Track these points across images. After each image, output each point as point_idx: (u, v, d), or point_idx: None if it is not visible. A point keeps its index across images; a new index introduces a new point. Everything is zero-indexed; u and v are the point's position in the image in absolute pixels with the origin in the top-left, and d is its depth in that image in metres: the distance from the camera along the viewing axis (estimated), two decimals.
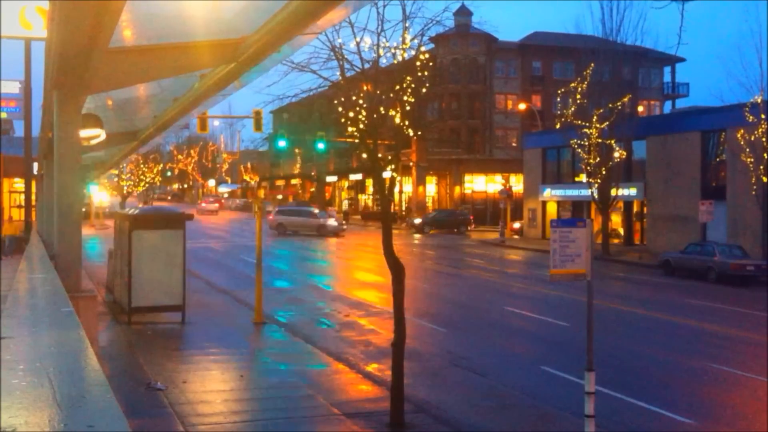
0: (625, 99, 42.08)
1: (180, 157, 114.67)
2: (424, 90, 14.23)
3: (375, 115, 13.21)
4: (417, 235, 57.33)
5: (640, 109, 66.35)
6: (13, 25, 13.03)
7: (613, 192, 42.32)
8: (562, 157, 52.18)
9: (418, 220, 61.16)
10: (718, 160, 40.66)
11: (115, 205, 72.63)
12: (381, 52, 12.91)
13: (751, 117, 34.70)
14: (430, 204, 73.60)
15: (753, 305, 25.70)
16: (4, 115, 31.97)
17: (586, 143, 41.60)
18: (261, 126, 40.63)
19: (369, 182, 74.30)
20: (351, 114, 13.20)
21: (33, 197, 24.87)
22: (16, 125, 44.89)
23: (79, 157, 8.97)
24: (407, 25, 12.97)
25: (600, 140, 41.13)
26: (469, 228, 60.49)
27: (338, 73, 13.29)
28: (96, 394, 2.25)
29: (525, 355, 18.14)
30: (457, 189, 71.73)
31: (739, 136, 35.62)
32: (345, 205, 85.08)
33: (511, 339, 20.14)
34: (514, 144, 73.38)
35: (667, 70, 78.82)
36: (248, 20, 7.55)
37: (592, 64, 41.12)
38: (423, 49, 13.91)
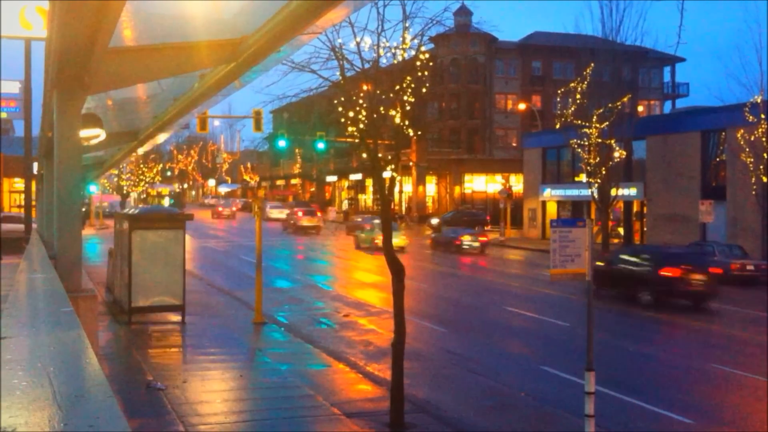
0: (625, 99, 42.06)
1: (180, 157, 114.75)
2: (424, 90, 14.24)
3: (375, 115, 13.21)
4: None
5: (640, 109, 66.36)
6: (13, 25, 13.03)
7: (613, 192, 42.32)
8: (562, 157, 52.17)
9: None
10: (718, 160, 40.66)
11: (115, 205, 72.70)
12: (381, 52, 12.90)
13: (751, 117, 34.70)
14: (430, 204, 73.60)
15: (753, 305, 25.71)
16: (4, 115, 31.98)
17: (586, 143, 41.59)
18: (261, 126, 40.62)
19: (369, 182, 74.29)
20: (351, 114, 13.20)
21: (33, 197, 24.88)
22: (16, 125, 44.92)
23: (80, 157, 8.97)
24: (407, 25, 12.97)
25: (600, 140, 41.12)
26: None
27: (338, 73, 13.28)
28: (96, 394, 2.25)
29: (525, 355, 18.14)
30: (457, 189, 71.73)
31: (739, 136, 35.62)
32: (345, 205, 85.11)
33: (511, 339, 20.14)
34: (514, 144, 73.37)
35: (667, 70, 78.83)
36: (248, 20, 7.55)
37: (592, 64, 41.11)
38: (423, 49, 13.90)
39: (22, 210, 24.92)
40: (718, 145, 40.64)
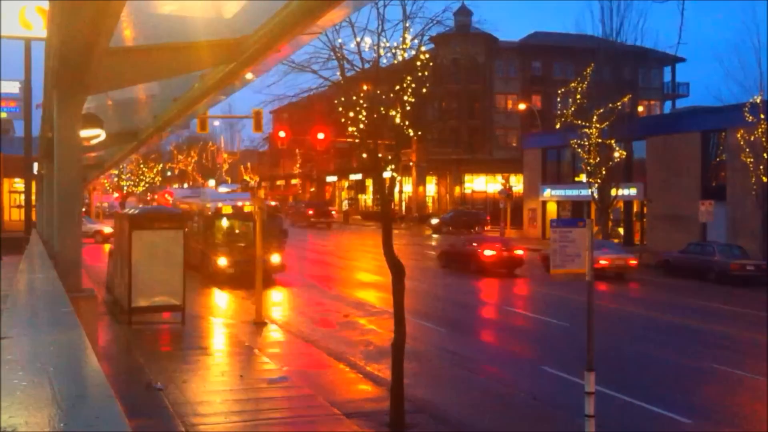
0: (625, 99, 42.06)
1: (180, 157, 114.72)
2: (424, 90, 14.22)
3: (375, 115, 13.21)
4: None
5: (640, 109, 66.37)
6: (13, 25, 13.03)
7: (613, 192, 42.32)
8: (562, 157, 52.16)
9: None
10: (718, 160, 40.66)
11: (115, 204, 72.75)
12: (381, 52, 12.91)
13: (750, 117, 34.70)
14: (430, 204, 73.57)
15: (753, 305, 25.70)
16: (4, 115, 32.01)
17: (586, 143, 41.59)
18: (261, 126, 40.66)
19: (369, 182, 74.30)
20: (351, 114, 13.20)
21: (33, 197, 24.86)
22: (16, 125, 44.87)
23: (80, 157, 8.97)
24: (407, 25, 12.98)
25: (600, 140, 41.12)
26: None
27: (338, 73, 13.29)
28: (96, 394, 2.25)
29: (525, 355, 18.14)
30: (457, 189, 71.72)
31: (738, 136, 35.62)
32: (345, 205, 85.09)
33: (511, 339, 20.13)
34: (514, 144, 73.36)
35: (667, 70, 78.78)
36: (248, 20, 7.55)
37: (592, 64, 41.11)
38: (423, 49, 13.91)
39: (23, 210, 24.89)
40: (718, 145, 40.63)
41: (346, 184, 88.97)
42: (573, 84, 41.78)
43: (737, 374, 16.28)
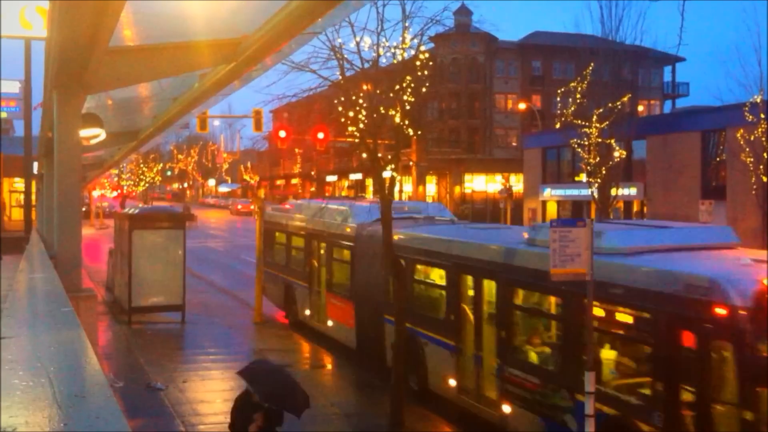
0: (625, 99, 42.03)
1: (180, 156, 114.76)
2: (424, 90, 14.20)
3: (375, 115, 13.19)
4: None
5: (640, 108, 66.38)
6: (13, 25, 13.02)
7: (613, 192, 42.30)
8: (562, 157, 52.17)
9: None
10: (718, 160, 40.66)
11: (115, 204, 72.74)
12: (381, 51, 12.90)
13: (750, 117, 34.68)
14: None
15: None
16: (4, 115, 32.00)
17: (586, 143, 41.54)
18: (261, 126, 40.67)
19: (369, 182, 74.31)
20: (351, 113, 13.19)
21: (33, 197, 24.85)
22: (16, 125, 44.88)
23: (79, 157, 8.97)
24: (407, 24, 12.96)
25: (600, 140, 41.09)
26: None
27: (338, 73, 13.28)
28: (96, 394, 2.25)
29: None
30: (457, 189, 71.75)
31: (738, 135, 35.60)
32: None
33: None
34: (514, 144, 73.41)
35: (667, 69, 78.81)
36: (248, 20, 7.55)
37: (592, 64, 41.09)
38: (423, 48, 13.89)
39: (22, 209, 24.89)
40: (718, 145, 40.63)
41: (346, 184, 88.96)
42: (573, 84, 41.72)
43: None
